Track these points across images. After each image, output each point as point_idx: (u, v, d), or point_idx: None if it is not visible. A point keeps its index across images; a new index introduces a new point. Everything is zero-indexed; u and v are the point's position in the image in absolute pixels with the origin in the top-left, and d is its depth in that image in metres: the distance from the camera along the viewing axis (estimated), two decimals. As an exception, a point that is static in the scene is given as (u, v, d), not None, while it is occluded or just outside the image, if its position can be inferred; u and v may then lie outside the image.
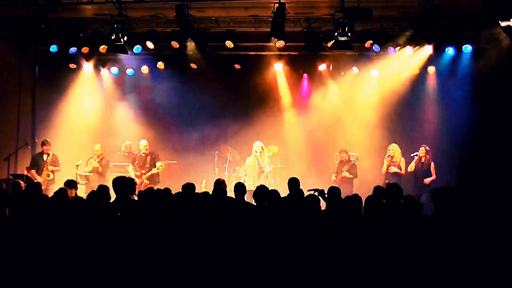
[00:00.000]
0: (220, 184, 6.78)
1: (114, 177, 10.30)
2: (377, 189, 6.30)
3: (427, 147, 10.15)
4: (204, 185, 10.50)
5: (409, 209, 5.75)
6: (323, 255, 4.82)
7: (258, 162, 10.00)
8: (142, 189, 7.85)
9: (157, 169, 10.38)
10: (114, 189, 5.86)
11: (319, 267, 4.78)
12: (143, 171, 10.41)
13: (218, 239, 5.05)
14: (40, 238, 5.18)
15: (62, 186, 7.93)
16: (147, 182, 10.18)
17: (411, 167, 10.13)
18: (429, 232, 4.86)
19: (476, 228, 4.89)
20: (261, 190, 6.26)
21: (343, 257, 4.84)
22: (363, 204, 6.00)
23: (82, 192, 9.79)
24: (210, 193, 6.11)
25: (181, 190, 6.21)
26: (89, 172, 10.50)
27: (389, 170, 10.16)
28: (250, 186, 8.90)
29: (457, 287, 4.66)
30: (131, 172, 10.34)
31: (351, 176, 10.63)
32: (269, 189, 6.52)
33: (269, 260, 4.91)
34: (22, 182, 7.79)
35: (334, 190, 6.27)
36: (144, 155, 10.53)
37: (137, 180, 10.09)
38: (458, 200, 5.64)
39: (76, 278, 4.89)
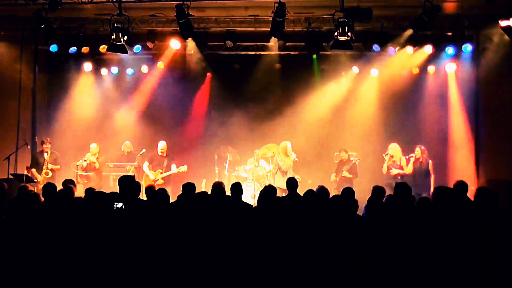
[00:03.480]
0: (219, 185, 6.76)
1: (112, 176, 10.50)
2: (376, 189, 6.30)
3: (422, 147, 10.13)
4: (204, 185, 10.51)
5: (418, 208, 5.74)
6: (322, 256, 4.82)
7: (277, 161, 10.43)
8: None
9: (178, 170, 10.40)
10: (121, 188, 5.85)
11: (318, 267, 4.78)
12: (160, 171, 10.45)
13: (216, 239, 5.05)
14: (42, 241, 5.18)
15: (61, 185, 7.98)
16: (162, 181, 10.27)
17: (409, 168, 10.08)
18: (429, 232, 4.86)
19: (475, 229, 4.89)
20: (269, 190, 6.28)
21: (343, 257, 4.83)
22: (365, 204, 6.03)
23: (81, 191, 9.79)
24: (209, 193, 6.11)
25: (181, 190, 6.21)
26: (86, 168, 10.53)
27: (391, 173, 10.10)
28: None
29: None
30: (130, 172, 10.38)
31: (351, 176, 10.62)
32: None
33: (268, 260, 4.90)
34: (29, 186, 7.68)
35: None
36: (161, 156, 10.56)
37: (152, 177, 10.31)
38: (457, 200, 5.63)
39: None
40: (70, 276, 4.87)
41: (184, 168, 10.42)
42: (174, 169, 10.46)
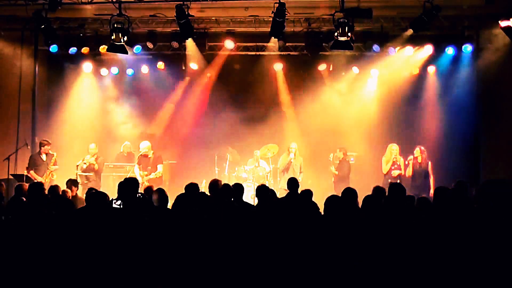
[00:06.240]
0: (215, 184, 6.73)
1: (112, 177, 10.42)
2: (376, 189, 6.29)
3: (422, 147, 10.09)
4: (204, 186, 10.49)
5: (412, 209, 5.74)
6: (321, 256, 4.81)
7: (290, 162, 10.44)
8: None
9: (156, 175, 10.30)
10: (122, 190, 5.83)
11: (316, 267, 4.77)
12: (146, 173, 10.31)
13: (216, 239, 5.05)
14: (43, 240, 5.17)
15: (64, 185, 8.01)
16: (147, 184, 10.13)
17: (409, 171, 10.00)
18: (429, 232, 4.85)
19: (474, 228, 4.89)
20: (263, 190, 6.27)
21: (341, 257, 4.83)
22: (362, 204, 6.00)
23: (81, 192, 9.78)
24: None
25: (184, 191, 6.20)
26: (86, 169, 10.42)
27: (392, 174, 10.00)
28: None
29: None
30: (130, 172, 10.34)
31: (337, 172, 10.58)
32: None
33: (267, 261, 4.90)
34: (25, 185, 7.69)
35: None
36: (145, 156, 10.40)
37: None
38: (457, 200, 5.63)
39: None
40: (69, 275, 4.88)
41: (159, 170, 10.28)
42: (159, 169, 10.28)
